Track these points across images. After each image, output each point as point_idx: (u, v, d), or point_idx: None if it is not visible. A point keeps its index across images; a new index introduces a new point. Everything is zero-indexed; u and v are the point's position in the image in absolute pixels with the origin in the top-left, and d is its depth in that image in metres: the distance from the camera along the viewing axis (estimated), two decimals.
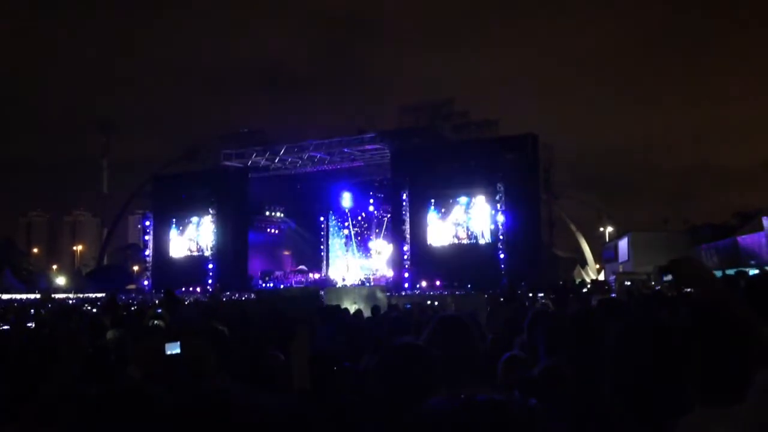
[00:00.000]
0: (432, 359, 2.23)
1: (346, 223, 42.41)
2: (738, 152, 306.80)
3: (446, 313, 5.37)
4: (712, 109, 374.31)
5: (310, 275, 40.08)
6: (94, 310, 13.69)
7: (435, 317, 3.07)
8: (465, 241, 33.98)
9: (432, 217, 34.80)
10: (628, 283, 23.18)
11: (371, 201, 41.08)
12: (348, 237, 42.59)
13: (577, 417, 2.10)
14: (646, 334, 1.87)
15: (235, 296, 28.74)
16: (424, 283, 32.33)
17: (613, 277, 31.96)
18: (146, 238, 42.49)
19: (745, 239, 27.16)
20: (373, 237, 41.67)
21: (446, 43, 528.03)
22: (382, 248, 40.52)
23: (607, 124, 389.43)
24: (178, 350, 2.41)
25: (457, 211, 34.34)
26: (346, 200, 41.72)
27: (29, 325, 8.73)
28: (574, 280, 32.17)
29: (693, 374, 1.68)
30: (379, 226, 41.04)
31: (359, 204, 41.62)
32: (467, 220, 34.06)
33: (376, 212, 41.42)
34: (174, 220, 41.10)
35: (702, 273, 1.93)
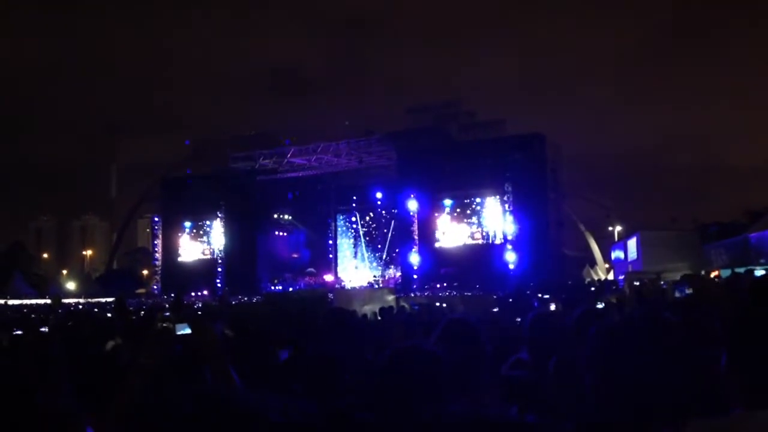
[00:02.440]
0: (440, 362, 2.25)
1: (355, 225, 42.37)
2: (747, 150, 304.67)
3: (454, 315, 5.39)
4: (721, 108, 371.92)
5: (319, 277, 40.10)
6: (109, 315, 13.80)
7: (443, 319, 3.10)
8: (473, 242, 33.96)
9: (440, 217, 34.78)
10: (638, 282, 23.06)
11: (379, 202, 41.02)
12: (356, 239, 42.55)
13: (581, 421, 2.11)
14: (620, 333, 1.85)
15: (244, 299, 28.83)
16: (433, 284, 32.29)
17: (623, 276, 31.84)
18: (155, 241, 42.63)
19: (756, 237, 26.94)
20: (381, 239, 41.60)
21: (453, 43, 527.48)
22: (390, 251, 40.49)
23: (616, 123, 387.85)
24: (188, 330, 2.58)
25: (465, 212, 34.32)
26: (354, 202, 41.69)
27: (42, 330, 8.79)
28: (584, 280, 32.10)
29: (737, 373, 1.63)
30: (387, 227, 40.97)
31: (367, 205, 41.57)
32: (476, 220, 34.04)
33: (384, 213, 41.35)
34: (182, 223, 41.25)
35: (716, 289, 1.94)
